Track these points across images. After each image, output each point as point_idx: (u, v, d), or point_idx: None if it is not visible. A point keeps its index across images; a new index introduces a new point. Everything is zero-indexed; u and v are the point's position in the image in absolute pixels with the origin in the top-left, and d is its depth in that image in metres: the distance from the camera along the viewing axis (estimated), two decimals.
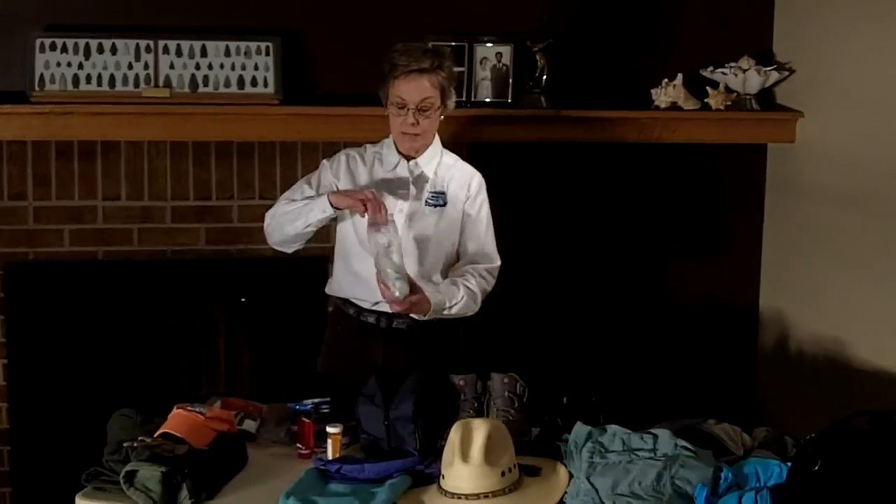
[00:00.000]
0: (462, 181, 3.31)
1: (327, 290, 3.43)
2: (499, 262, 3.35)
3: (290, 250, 3.32)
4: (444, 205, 3.28)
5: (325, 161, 3.36)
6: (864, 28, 4.00)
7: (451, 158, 3.35)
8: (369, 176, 3.29)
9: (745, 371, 4.71)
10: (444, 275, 3.30)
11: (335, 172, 3.31)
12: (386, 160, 3.29)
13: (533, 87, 4.26)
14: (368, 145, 3.36)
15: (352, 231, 3.25)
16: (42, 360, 4.11)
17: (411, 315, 3.17)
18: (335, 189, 3.27)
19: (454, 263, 3.33)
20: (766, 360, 4.66)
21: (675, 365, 4.63)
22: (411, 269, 3.19)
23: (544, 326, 4.50)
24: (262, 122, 4.05)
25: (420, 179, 3.28)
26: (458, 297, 3.18)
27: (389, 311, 3.24)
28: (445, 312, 3.18)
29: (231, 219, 4.18)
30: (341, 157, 3.34)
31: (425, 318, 3.17)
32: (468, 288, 3.21)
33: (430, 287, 3.16)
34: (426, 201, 3.27)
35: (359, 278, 3.23)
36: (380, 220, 3.04)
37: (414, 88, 3.14)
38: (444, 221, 3.28)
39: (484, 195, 3.33)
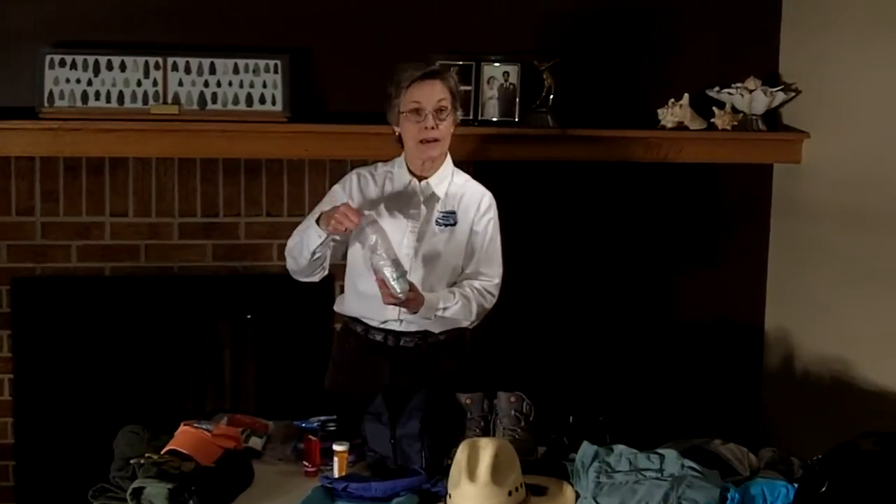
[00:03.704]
0: (472, 200, 3.32)
1: (336, 307, 3.43)
2: (497, 280, 3.34)
3: (316, 279, 3.32)
4: (454, 224, 3.28)
5: (336, 186, 3.37)
6: (869, 49, 4.01)
7: (462, 178, 3.36)
8: (380, 195, 3.30)
9: (750, 390, 4.70)
10: None
11: (348, 192, 3.31)
12: (397, 179, 3.30)
13: (540, 106, 4.27)
14: (379, 164, 3.36)
15: (359, 250, 3.26)
16: (48, 375, 4.12)
17: (405, 309, 3.15)
18: None
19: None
20: (772, 380, 4.65)
21: (680, 384, 4.62)
22: (422, 287, 3.20)
23: (550, 345, 4.50)
24: (270, 139, 4.07)
25: (431, 199, 3.29)
26: (453, 301, 3.21)
27: (397, 329, 3.25)
28: (439, 313, 3.19)
29: (238, 235, 4.19)
30: (352, 176, 3.35)
31: (415, 316, 3.16)
32: (464, 295, 3.23)
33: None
34: (436, 221, 3.27)
35: (366, 297, 3.24)
36: (360, 221, 3.03)
37: (429, 91, 3.16)
38: (453, 241, 3.28)
39: (492, 214, 3.34)
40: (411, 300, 3.08)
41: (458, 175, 3.35)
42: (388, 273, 3.02)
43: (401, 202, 3.28)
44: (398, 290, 3.02)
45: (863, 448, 2.47)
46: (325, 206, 3.31)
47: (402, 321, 3.25)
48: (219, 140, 4.03)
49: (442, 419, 2.92)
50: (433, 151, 3.23)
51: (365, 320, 3.31)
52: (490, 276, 3.33)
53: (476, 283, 3.29)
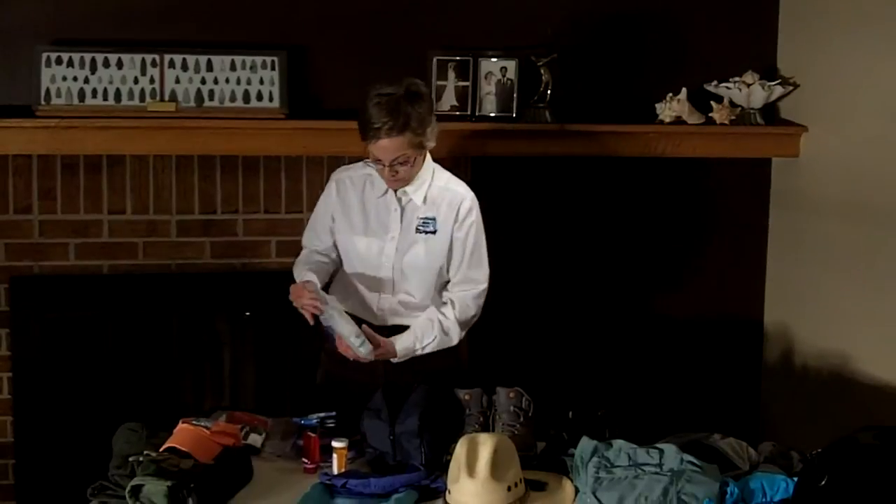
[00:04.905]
0: (452, 205, 3.26)
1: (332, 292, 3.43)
2: (485, 285, 3.32)
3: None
4: (434, 231, 3.25)
5: (319, 200, 3.39)
6: (867, 43, 4.01)
7: (443, 180, 3.29)
8: (360, 201, 3.28)
9: (749, 385, 4.71)
10: (441, 294, 3.33)
11: (330, 202, 3.33)
12: (377, 185, 3.26)
13: (537, 101, 4.26)
14: (359, 165, 3.31)
15: (351, 250, 3.30)
16: (47, 373, 4.11)
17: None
18: (332, 219, 3.32)
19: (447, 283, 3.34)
20: (771, 374, 4.65)
21: (680, 379, 4.63)
22: (406, 296, 3.26)
23: (549, 340, 4.50)
24: (268, 136, 4.06)
25: (409, 206, 3.25)
26: (430, 338, 3.23)
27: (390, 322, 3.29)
28: (419, 352, 3.23)
29: (236, 233, 4.19)
30: (331, 186, 3.34)
31: (399, 361, 3.22)
32: (441, 326, 3.25)
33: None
34: (416, 228, 3.24)
35: (357, 295, 3.29)
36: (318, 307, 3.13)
37: (385, 149, 3.09)
38: (434, 247, 3.25)
39: (473, 218, 3.27)
40: (381, 354, 3.15)
41: (439, 177, 3.29)
42: (353, 342, 3.09)
43: (380, 209, 3.26)
44: (363, 354, 3.09)
45: (862, 442, 2.47)
46: (316, 224, 3.38)
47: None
48: (216, 137, 4.02)
49: (441, 415, 2.92)
50: (397, 185, 3.22)
51: (358, 314, 3.32)
52: (477, 282, 3.31)
53: (462, 295, 3.29)
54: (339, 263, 3.39)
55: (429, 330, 3.23)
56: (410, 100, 3.10)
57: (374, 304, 3.30)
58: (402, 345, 3.19)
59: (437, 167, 3.31)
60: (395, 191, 3.24)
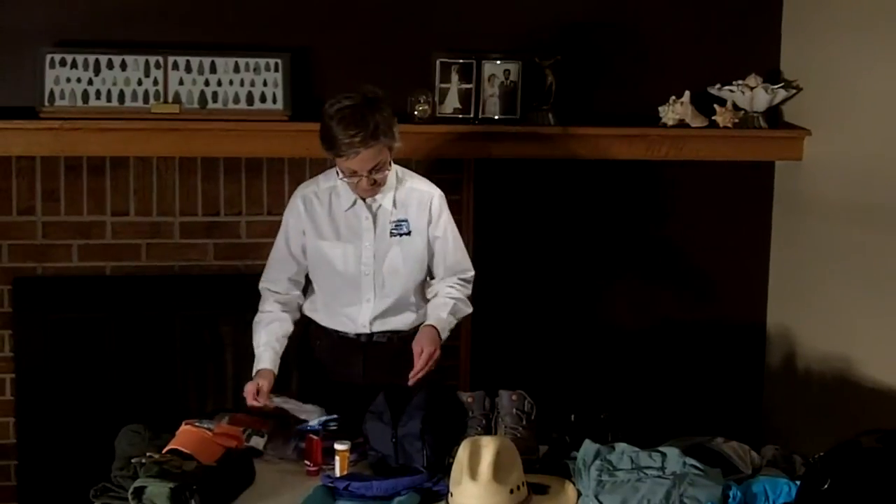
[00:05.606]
0: (422, 204, 3.29)
1: (305, 310, 3.42)
2: (472, 272, 3.42)
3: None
4: (409, 233, 3.27)
5: (285, 216, 3.37)
6: (871, 46, 4.01)
7: (409, 181, 3.31)
8: (328, 216, 3.28)
9: (752, 388, 4.70)
10: (421, 295, 3.37)
11: (297, 218, 3.31)
12: (343, 196, 3.26)
13: (541, 104, 4.26)
14: (321, 178, 3.31)
15: (326, 265, 3.30)
16: (50, 375, 4.12)
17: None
18: (302, 233, 3.30)
19: (425, 280, 3.38)
20: (774, 377, 4.65)
21: (682, 382, 4.62)
22: (388, 300, 3.28)
23: (552, 343, 4.49)
24: (271, 138, 4.06)
25: (381, 212, 3.26)
26: (448, 306, 3.29)
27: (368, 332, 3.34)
28: (450, 319, 3.28)
29: (239, 234, 4.19)
30: (297, 201, 3.32)
31: (448, 335, 3.28)
32: (450, 296, 3.32)
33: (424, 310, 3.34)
34: (390, 232, 3.26)
35: (334, 309, 3.31)
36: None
37: (363, 160, 3.08)
38: (410, 248, 3.28)
39: (446, 214, 3.33)
40: (431, 354, 3.17)
41: (404, 178, 3.31)
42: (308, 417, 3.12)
43: (350, 220, 3.27)
44: (317, 425, 3.08)
45: (865, 445, 2.47)
46: (282, 251, 3.35)
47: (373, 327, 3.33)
48: (220, 139, 4.02)
49: (443, 418, 2.92)
50: (373, 193, 3.22)
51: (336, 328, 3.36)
52: (467, 268, 3.41)
53: (454, 279, 3.36)
54: (303, 295, 3.40)
55: (442, 302, 3.31)
56: (371, 107, 3.09)
57: (354, 315, 3.32)
58: (434, 320, 3.25)
59: (399, 168, 3.33)
60: (364, 199, 3.24)
